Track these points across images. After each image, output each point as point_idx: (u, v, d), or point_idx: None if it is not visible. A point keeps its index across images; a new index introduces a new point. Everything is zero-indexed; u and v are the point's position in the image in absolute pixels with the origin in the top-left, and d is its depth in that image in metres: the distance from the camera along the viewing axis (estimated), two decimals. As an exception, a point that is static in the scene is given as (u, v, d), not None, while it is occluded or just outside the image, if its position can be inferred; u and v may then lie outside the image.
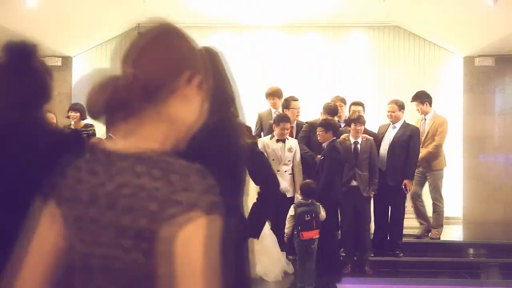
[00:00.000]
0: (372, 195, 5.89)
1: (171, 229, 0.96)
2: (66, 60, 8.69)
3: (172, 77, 1.07)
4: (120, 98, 1.03)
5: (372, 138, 5.98)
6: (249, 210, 2.54)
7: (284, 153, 5.70)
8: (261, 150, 2.72)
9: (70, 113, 6.48)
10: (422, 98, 6.58)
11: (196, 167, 1.03)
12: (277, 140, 5.69)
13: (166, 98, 1.06)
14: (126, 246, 0.99)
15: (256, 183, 2.66)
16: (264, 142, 5.70)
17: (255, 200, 2.59)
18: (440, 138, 6.51)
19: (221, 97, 2.00)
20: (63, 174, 1.08)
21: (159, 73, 1.06)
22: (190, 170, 1.02)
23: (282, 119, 5.67)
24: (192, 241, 0.96)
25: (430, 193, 6.66)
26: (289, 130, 5.78)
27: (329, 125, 5.51)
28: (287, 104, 6.22)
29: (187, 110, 1.10)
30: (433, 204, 6.59)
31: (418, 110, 6.57)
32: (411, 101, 6.58)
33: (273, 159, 5.59)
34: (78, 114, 6.44)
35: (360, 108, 6.51)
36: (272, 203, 2.65)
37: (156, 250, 0.97)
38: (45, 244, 1.07)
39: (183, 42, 1.10)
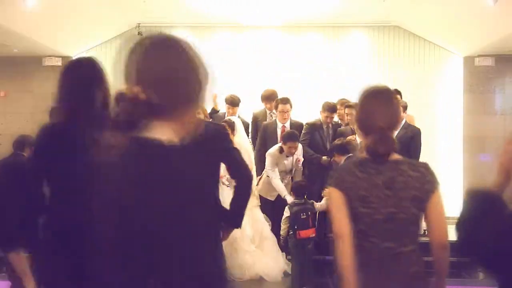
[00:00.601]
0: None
1: (428, 196, 2.06)
2: (66, 60, 8.67)
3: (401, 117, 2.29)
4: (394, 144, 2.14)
5: None
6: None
7: (293, 166, 5.75)
8: (236, 147, 2.93)
9: None
10: (400, 94, 6.65)
11: (423, 162, 2.14)
12: (287, 155, 5.64)
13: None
14: (406, 205, 2.04)
15: (232, 176, 2.95)
16: (273, 155, 5.61)
17: (234, 194, 2.86)
18: None
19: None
20: (347, 174, 2.08)
21: (399, 119, 2.28)
22: (423, 165, 2.11)
23: (290, 138, 5.50)
24: (438, 202, 2.08)
25: None
26: (296, 148, 5.66)
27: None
28: (276, 105, 6.20)
29: None
30: None
31: None
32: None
33: (282, 171, 5.68)
34: None
35: (353, 110, 6.46)
36: (248, 195, 2.88)
37: (421, 206, 2.06)
38: (343, 212, 2.06)
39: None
